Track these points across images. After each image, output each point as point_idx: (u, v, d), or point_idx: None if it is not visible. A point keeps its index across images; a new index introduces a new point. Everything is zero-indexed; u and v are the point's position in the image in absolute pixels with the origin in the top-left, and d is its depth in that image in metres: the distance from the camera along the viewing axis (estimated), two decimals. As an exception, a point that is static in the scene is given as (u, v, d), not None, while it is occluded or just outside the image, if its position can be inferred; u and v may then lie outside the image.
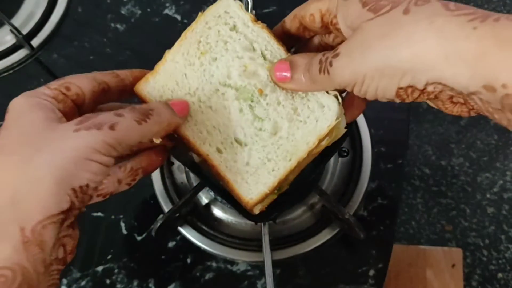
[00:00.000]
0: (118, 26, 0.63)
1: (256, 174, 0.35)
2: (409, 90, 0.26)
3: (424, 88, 0.26)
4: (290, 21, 0.35)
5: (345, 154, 0.53)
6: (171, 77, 0.35)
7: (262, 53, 0.35)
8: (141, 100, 0.35)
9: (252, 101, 0.35)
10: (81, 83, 0.31)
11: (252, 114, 0.35)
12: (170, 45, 0.43)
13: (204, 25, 0.35)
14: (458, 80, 0.24)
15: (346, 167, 0.53)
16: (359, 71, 0.27)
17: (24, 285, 0.25)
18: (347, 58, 0.28)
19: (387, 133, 0.56)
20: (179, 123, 0.33)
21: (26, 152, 0.26)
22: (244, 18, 0.35)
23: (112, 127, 0.28)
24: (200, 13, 0.35)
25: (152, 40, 0.62)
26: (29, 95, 0.29)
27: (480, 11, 0.23)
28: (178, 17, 0.63)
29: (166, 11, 0.64)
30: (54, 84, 0.30)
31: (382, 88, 0.27)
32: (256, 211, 0.37)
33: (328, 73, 0.29)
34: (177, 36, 0.67)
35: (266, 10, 0.64)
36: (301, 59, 0.32)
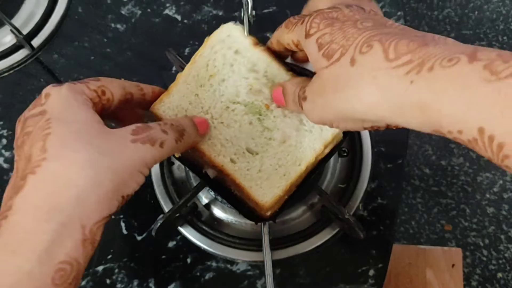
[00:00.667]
0: (118, 26, 0.63)
1: (269, 179, 0.38)
2: (375, 127, 0.29)
3: (388, 126, 0.28)
4: (276, 45, 0.37)
5: (345, 154, 0.53)
6: (184, 98, 0.38)
7: (264, 74, 0.38)
8: (156, 119, 0.39)
9: (260, 114, 0.38)
10: (113, 90, 0.32)
11: (261, 125, 0.38)
12: (170, 45, 0.44)
13: (210, 50, 0.39)
14: (411, 125, 0.25)
15: (346, 167, 0.53)
16: (324, 117, 0.30)
17: (75, 279, 0.27)
18: (312, 104, 0.31)
19: (387, 133, 0.56)
20: (199, 142, 0.36)
21: (90, 153, 0.27)
22: (245, 42, 0.39)
23: (161, 145, 0.30)
24: (206, 39, 0.39)
25: (152, 40, 0.62)
26: (75, 90, 0.30)
27: (417, 56, 0.24)
28: (178, 17, 0.63)
29: (166, 11, 0.64)
30: (92, 84, 0.31)
31: (351, 127, 0.30)
32: (268, 214, 0.39)
33: (302, 108, 0.32)
34: (177, 36, 0.67)
35: (266, 10, 0.64)
36: (290, 87, 0.35)
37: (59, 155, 0.27)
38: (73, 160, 0.27)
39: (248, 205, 0.40)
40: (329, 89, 0.28)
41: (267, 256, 0.44)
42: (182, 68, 0.47)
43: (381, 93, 0.25)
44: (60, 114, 0.28)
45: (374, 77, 0.25)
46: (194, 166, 0.41)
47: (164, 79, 0.57)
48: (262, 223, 0.45)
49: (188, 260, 0.50)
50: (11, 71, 0.60)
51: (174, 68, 0.58)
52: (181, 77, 0.39)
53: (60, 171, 0.27)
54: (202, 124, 0.36)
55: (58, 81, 0.59)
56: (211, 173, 0.40)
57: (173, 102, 0.38)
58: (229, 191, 0.40)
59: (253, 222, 0.49)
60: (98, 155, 0.27)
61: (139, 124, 0.30)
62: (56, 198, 0.26)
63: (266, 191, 0.37)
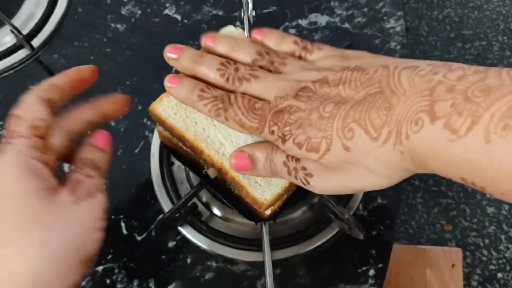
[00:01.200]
0: (118, 26, 0.63)
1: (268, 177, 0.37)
2: None
3: None
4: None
5: (345, 154, 0.53)
6: None
7: None
8: (155, 118, 0.39)
9: None
10: (41, 114, 0.31)
11: None
12: (170, 45, 0.42)
13: None
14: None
15: (346, 167, 0.53)
16: (328, 189, 0.32)
17: None
18: (316, 182, 0.32)
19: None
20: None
21: (42, 231, 0.27)
22: None
23: (98, 190, 0.30)
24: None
25: (152, 40, 0.62)
26: (15, 155, 0.29)
27: (392, 126, 0.27)
28: (178, 17, 0.63)
29: (166, 11, 0.64)
30: (23, 128, 0.30)
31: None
32: (268, 213, 0.39)
33: (308, 183, 0.32)
34: (177, 36, 0.67)
35: (266, 10, 0.64)
36: (259, 154, 0.34)
37: (11, 240, 0.27)
38: (26, 242, 0.27)
39: (248, 205, 0.40)
40: (330, 171, 0.30)
41: (267, 256, 0.44)
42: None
43: (380, 174, 0.29)
44: (6, 189, 0.28)
45: (366, 166, 0.28)
46: (195, 166, 0.41)
47: (164, 79, 0.56)
48: (262, 223, 0.45)
49: (188, 260, 0.50)
50: (11, 71, 0.60)
51: (174, 68, 0.57)
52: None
53: (14, 256, 0.27)
54: (101, 140, 0.34)
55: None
56: (211, 173, 0.40)
57: (173, 101, 0.38)
58: (230, 191, 0.41)
59: (253, 222, 0.49)
60: (49, 231, 0.27)
61: (73, 177, 0.30)
62: (9, 284, 0.26)
63: (265, 189, 0.37)
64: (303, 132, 0.30)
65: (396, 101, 0.27)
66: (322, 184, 0.32)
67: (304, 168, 0.32)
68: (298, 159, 0.32)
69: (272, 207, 0.39)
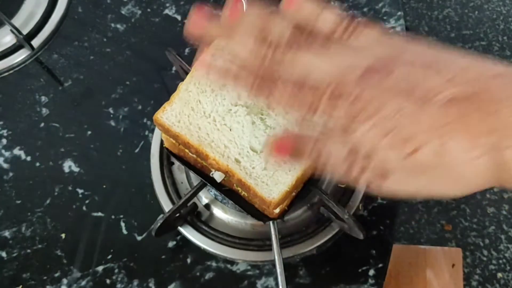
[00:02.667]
0: (118, 26, 0.63)
1: (275, 175, 0.38)
2: None
3: None
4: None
5: (345, 154, 0.53)
6: (186, 104, 0.39)
7: None
8: (159, 127, 0.40)
9: (262, 114, 0.39)
10: None
11: (264, 124, 0.38)
12: (170, 45, 0.43)
13: (210, 58, 0.38)
14: None
15: (346, 167, 0.53)
16: (405, 191, 0.28)
17: None
18: (394, 182, 0.28)
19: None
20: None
21: None
22: None
23: None
24: (205, 49, 0.39)
25: (152, 40, 0.62)
26: None
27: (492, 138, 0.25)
28: (178, 17, 0.63)
29: (166, 11, 0.64)
30: None
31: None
32: (276, 211, 0.39)
33: (380, 185, 0.28)
34: (177, 36, 0.67)
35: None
36: (307, 138, 0.28)
37: None
38: None
39: (256, 205, 0.40)
40: (414, 173, 0.27)
41: (277, 255, 0.43)
42: (182, 68, 0.48)
43: (469, 183, 0.27)
44: None
45: (466, 168, 0.26)
46: (201, 171, 0.41)
47: (164, 79, 0.57)
48: (270, 222, 0.45)
49: (188, 260, 0.50)
50: (11, 71, 0.60)
51: (174, 68, 0.57)
52: (182, 85, 0.40)
53: None
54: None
55: (58, 81, 0.59)
56: (217, 176, 0.40)
57: (176, 109, 0.39)
58: (237, 193, 0.41)
59: (253, 222, 0.49)
60: None
61: None
62: None
63: (273, 187, 0.38)
64: (379, 123, 0.26)
65: (490, 110, 0.25)
66: (401, 185, 0.28)
67: (382, 166, 0.27)
68: (368, 155, 0.27)
69: (280, 206, 0.39)
